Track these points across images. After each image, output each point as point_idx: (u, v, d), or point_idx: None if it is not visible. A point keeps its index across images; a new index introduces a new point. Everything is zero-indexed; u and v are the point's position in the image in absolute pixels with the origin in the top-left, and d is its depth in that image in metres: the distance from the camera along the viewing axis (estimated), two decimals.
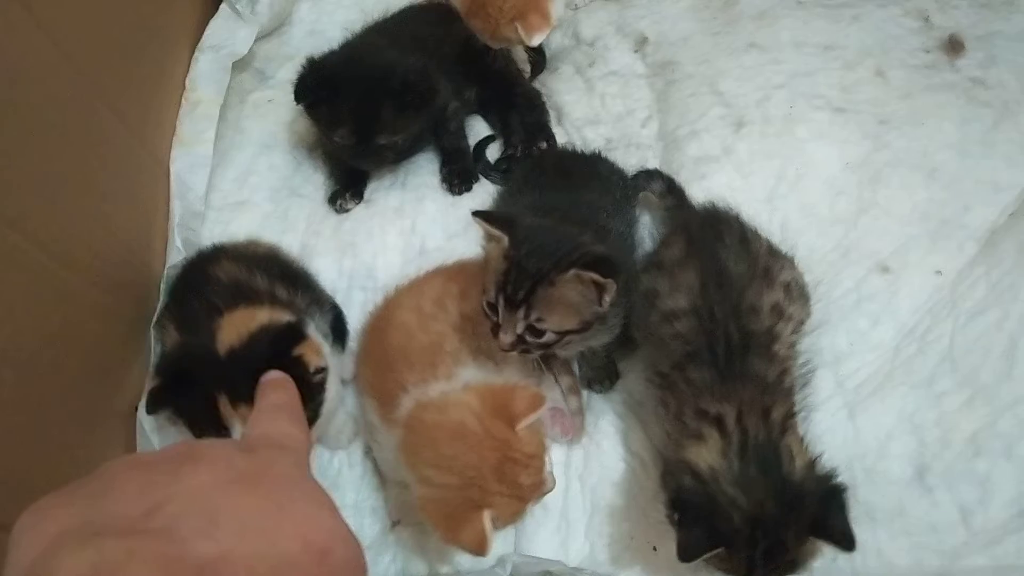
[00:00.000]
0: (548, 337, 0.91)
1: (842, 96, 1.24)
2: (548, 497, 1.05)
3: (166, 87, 1.21)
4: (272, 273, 1.02)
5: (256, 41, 1.35)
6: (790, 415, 0.89)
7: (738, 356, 0.90)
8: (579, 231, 0.92)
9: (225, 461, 0.50)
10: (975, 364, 1.06)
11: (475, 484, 0.82)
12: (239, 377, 0.80)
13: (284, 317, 0.91)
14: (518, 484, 0.83)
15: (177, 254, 1.12)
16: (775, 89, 1.25)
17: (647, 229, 1.21)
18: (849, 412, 1.06)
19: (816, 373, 1.07)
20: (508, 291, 0.88)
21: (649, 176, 1.18)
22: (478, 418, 0.86)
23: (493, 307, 0.90)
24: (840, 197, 1.18)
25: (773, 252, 1.01)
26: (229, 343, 0.87)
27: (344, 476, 1.08)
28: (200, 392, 0.85)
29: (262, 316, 0.89)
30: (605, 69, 1.36)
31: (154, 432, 0.99)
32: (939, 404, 1.04)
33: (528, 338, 0.90)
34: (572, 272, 0.85)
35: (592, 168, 1.15)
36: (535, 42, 1.17)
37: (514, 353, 0.94)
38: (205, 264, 1.05)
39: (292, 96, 1.17)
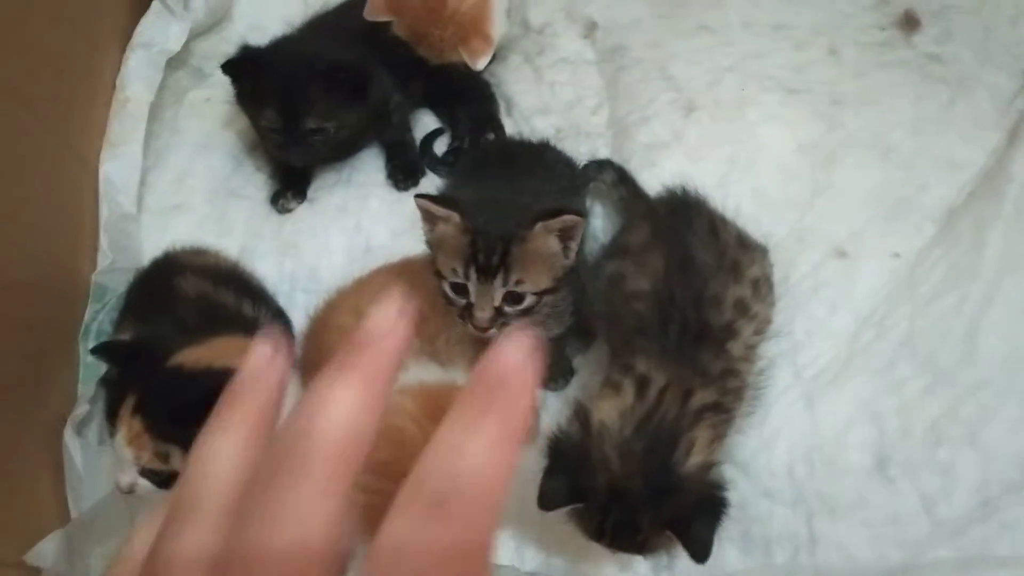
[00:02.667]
0: (528, 301, 0.87)
1: (794, 77, 1.20)
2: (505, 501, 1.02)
3: (94, 88, 1.17)
4: (238, 289, 1.01)
5: (193, 38, 1.31)
6: (713, 408, 0.85)
7: (688, 343, 0.87)
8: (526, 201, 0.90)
9: None
10: (935, 349, 1.02)
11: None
12: (157, 395, 0.79)
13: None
14: None
15: (104, 258, 1.08)
16: (725, 72, 1.21)
17: (599, 219, 1.17)
18: (807, 402, 1.03)
19: (774, 361, 1.05)
20: (480, 260, 0.84)
21: (599, 166, 1.14)
22: (415, 421, 0.82)
23: (461, 287, 0.87)
24: (794, 180, 1.14)
25: (744, 243, 0.98)
26: (182, 361, 0.83)
27: None
28: (125, 377, 0.83)
29: (233, 351, 0.84)
30: (554, 57, 1.32)
31: (78, 451, 0.95)
32: (899, 391, 1.01)
33: (507, 308, 0.87)
34: (539, 225, 0.84)
35: (538, 156, 1.11)
36: (480, 66, 1.17)
37: (461, 353, 0.91)
38: (169, 275, 1.01)
39: (231, 92, 1.15)
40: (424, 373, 0.93)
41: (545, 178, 1.06)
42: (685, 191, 1.01)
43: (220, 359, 0.81)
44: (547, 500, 0.79)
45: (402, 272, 1.04)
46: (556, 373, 1.10)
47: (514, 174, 1.06)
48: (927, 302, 1.05)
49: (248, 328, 0.95)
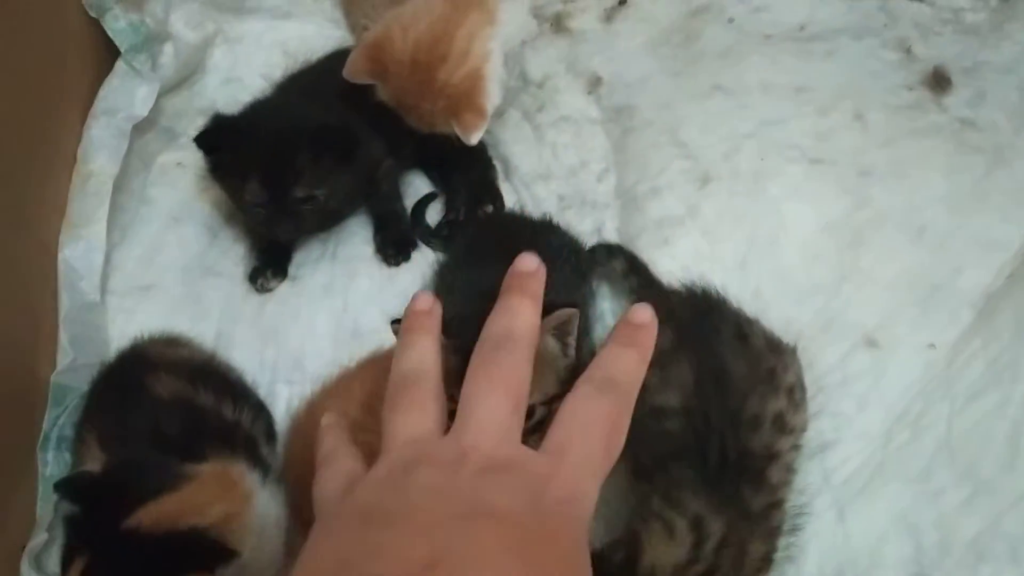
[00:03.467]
0: (539, 413, 0.76)
1: (817, 145, 1.11)
2: None
3: (54, 161, 1.06)
4: (216, 387, 0.91)
5: (163, 95, 1.20)
6: (767, 559, 0.78)
7: (730, 476, 0.79)
8: None
9: (515, 522, 0.42)
10: (975, 455, 0.94)
11: None
12: (106, 565, 0.69)
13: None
14: None
15: (64, 355, 0.98)
16: (743, 139, 1.12)
17: (607, 301, 1.08)
18: (839, 512, 0.95)
19: (802, 465, 0.96)
20: None
21: (609, 252, 1.06)
22: None
23: None
24: (818, 262, 1.06)
25: (774, 347, 0.89)
26: (142, 520, 0.72)
27: None
28: (79, 530, 0.73)
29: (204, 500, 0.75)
30: (556, 114, 1.23)
31: None
32: (937, 502, 0.93)
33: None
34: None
35: (540, 238, 1.03)
36: (474, 141, 1.07)
37: None
38: (139, 374, 0.91)
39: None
40: None
41: (548, 266, 0.96)
42: (705, 290, 0.93)
43: (185, 516, 0.71)
44: None
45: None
46: None
47: (506, 261, 0.97)
48: (966, 401, 0.97)
49: (228, 436, 0.86)
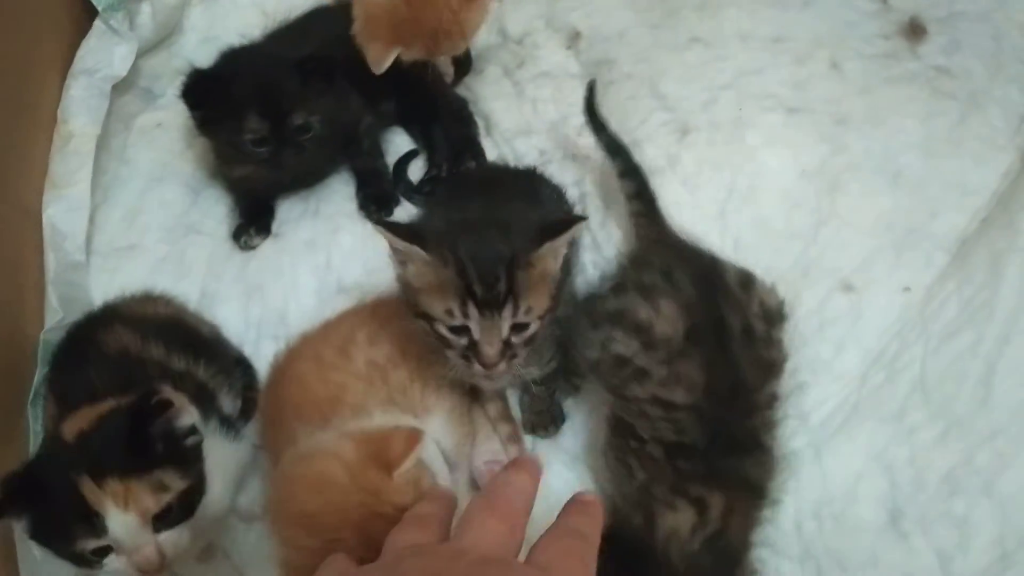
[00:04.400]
0: (533, 328, 0.79)
1: (795, 94, 1.12)
2: None
3: (33, 122, 1.07)
4: (171, 341, 0.91)
5: (141, 55, 1.20)
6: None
7: (736, 455, 0.82)
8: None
9: None
10: (949, 393, 0.96)
11: (336, 548, 0.70)
12: (99, 452, 0.72)
13: None
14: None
15: (54, 314, 0.99)
16: (721, 89, 1.13)
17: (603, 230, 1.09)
18: (815, 451, 0.97)
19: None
20: (479, 293, 0.75)
21: (622, 172, 1.03)
22: (346, 468, 0.73)
23: (460, 328, 0.78)
24: (797, 209, 1.07)
25: (769, 318, 0.88)
26: (77, 428, 0.76)
27: (262, 550, 0.96)
28: (57, 486, 0.73)
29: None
30: (535, 70, 1.23)
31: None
32: (911, 439, 0.95)
33: (513, 339, 0.79)
34: (547, 245, 0.77)
35: (522, 182, 1.03)
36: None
37: (438, 402, 0.86)
38: (95, 329, 0.92)
39: (184, 115, 1.07)
40: (392, 422, 0.86)
41: (530, 203, 0.97)
42: (711, 257, 0.92)
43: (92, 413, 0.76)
44: None
45: (369, 318, 0.95)
46: (547, 419, 1.03)
47: (494, 200, 0.95)
48: (940, 342, 0.99)
49: (177, 383, 0.86)
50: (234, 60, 1.09)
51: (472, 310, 0.76)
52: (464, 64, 1.28)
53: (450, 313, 0.77)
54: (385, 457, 0.73)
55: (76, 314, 1.01)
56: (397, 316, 0.86)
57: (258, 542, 0.96)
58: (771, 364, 0.86)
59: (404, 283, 0.82)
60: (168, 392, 0.78)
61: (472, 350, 0.78)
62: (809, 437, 0.98)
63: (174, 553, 0.75)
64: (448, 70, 1.27)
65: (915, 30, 1.16)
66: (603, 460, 0.93)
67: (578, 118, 1.18)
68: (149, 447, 0.74)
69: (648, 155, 1.11)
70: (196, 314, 1.04)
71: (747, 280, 0.89)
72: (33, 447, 0.94)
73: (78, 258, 1.04)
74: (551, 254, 0.79)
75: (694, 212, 1.05)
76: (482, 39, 1.28)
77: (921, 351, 0.99)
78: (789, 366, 0.90)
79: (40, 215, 1.03)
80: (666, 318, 0.84)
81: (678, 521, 0.79)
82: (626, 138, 1.12)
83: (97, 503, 0.71)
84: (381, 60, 1.09)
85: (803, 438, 0.98)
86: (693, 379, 0.82)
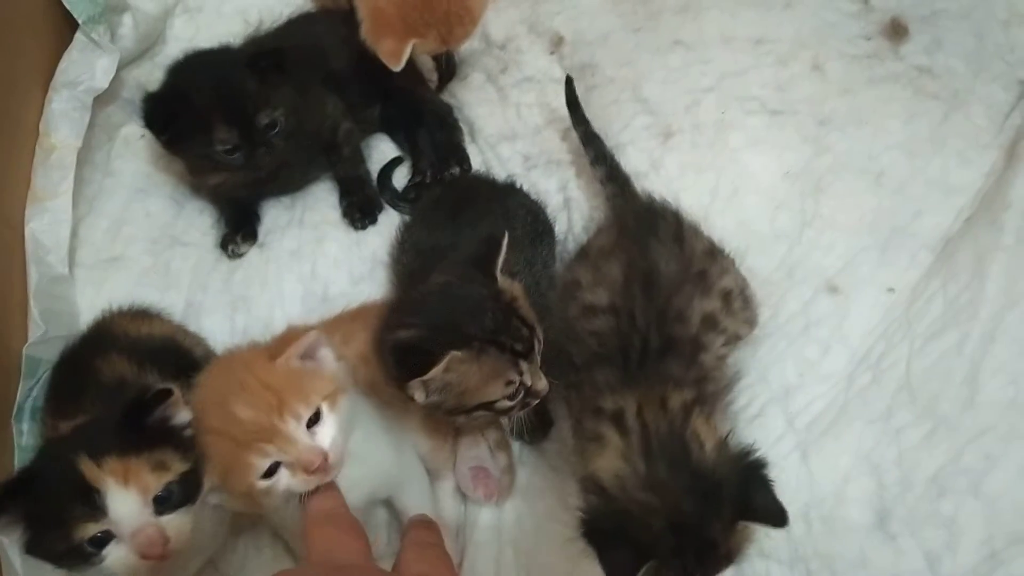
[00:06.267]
0: (540, 337, 0.83)
1: (777, 96, 1.12)
2: (480, 566, 0.96)
3: (16, 135, 1.06)
4: (165, 366, 0.90)
5: (124, 67, 1.20)
6: (692, 402, 0.79)
7: (653, 359, 0.81)
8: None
9: None
10: (934, 393, 0.96)
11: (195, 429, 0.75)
12: (95, 435, 0.72)
13: None
14: (233, 418, 0.73)
15: (36, 328, 0.98)
16: (704, 92, 1.13)
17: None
18: (802, 453, 0.97)
19: (765, 410, 0.99)
20: (521, 348, 0.79)
21: (596, 158, 1.07)
22: (243, 361, 0.79)
23: (520, 385, 0.81)
24: (781, 211, 1.07)
25: (713, 253, 0.91)
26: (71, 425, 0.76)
27: (251, 561, 0.96)
28: (54, 471, 0.72)
29: None
30: (519, 75, 1.23)
31: (16, 550, 0.86)
32: (898, 440, 0.95)
33: (538, 357, 0.83)
34: (500, 277, 0.81)
35: (500, 199, 1.04)
36: None
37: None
38: (91, 357, 0.91)
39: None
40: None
41: (501, 225, 0.98)
42: (653, 199, 0.95)
43: None
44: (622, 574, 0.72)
45: (352, 317, 0.95)
46: (534, 424, 1.02)
47: (468, 220, 0.99)
48: (925, 341, 0.99)
49: None
50: (184, 73, 1.08)
51: (523, 364, 0.80)
52: (448, 70, 1.29)
53: (510, 383, 0.80)
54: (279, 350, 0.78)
55: (61, 328, 1.01)
56: (375, 320, 0.86)
57: (247, 553, 0.96)
58: (700, 275, 0.86)
59: (439, 402, 0.80)
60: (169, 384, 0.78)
61: (528, 394, 0.83)
62: (796, 439, 0.98)
63: (176, 538, 0.72)
64: (432, 76, 1.27)
65: (897, 30, 1.16)
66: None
67: (562, 123, 1.19)
68: (147, 428, 0.73)
69: (631, 159, 1.11)
70: (187, 330, 1.04)
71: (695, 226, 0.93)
72: (18, 461, 0.93)
73: (61, 271, 1.04)
74: (505, 279, 0.82)
75: None
76: (465, 45, 1.27)
77: (907, 351, 0.99)
78: (743, 324, 0.92)
79: (23, 229, 1.03)
80: (601, 234, 0.91)
81: (609, 461, 0.76)
82: (609, 142, 1.13)
83: (96, 479, 0.70)
84: (398, 54, 1.08)
85: (791, 440, 0.98)
86: (613, 276, 0.85)
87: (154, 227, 1.14)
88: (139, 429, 0.73)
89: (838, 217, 1.06)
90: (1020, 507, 0.91)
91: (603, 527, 0.73)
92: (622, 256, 0.86)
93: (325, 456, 0.73)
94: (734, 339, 0.90)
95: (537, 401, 0.84)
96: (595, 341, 0.84)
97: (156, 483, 0.72)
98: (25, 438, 0.95)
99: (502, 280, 0.81)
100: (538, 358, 0.82)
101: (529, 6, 1.28)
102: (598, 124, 1.15)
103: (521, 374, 0.80)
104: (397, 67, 1.08)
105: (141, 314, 1.01)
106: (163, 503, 0.72)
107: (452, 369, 0.76)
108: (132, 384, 0.87)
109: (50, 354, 0.99)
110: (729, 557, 0.73)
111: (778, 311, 1.03)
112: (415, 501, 0.92)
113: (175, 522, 0.73)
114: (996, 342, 0.96)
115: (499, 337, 0.77)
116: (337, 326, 0.93)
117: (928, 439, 0.95)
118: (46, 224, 1.04)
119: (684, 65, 1.16)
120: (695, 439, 0.75)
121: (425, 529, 0.70)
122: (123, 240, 1.13)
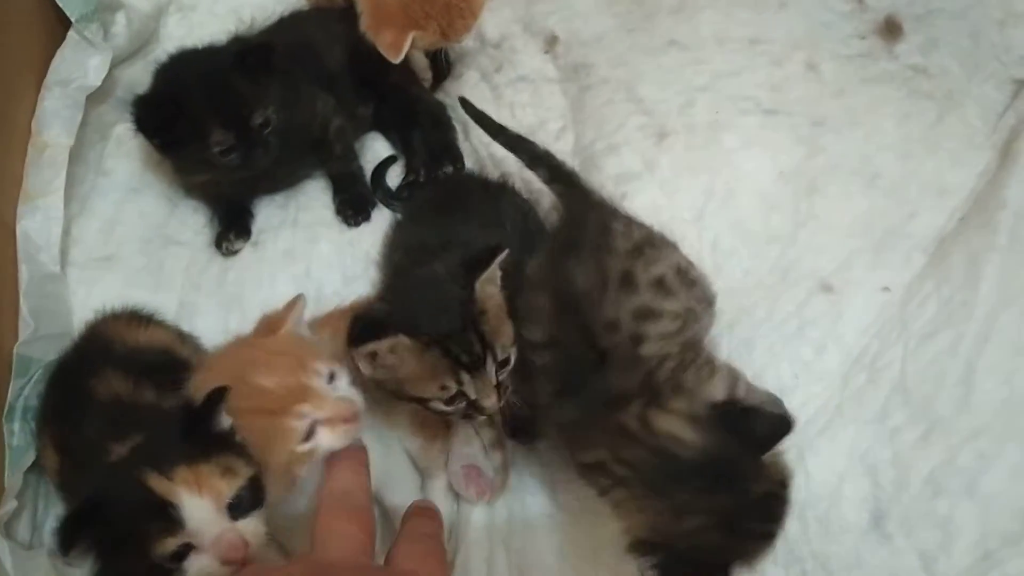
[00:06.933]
0: (512, 356, 0.82)
1: (771, 96, 1.12)
2: (472, 566, 0.96)
3: (8, 134, 1.06)
4: (162, 380, 0.89)
5: (117, 65, 1.20)
6: (643, 409, 0.77)
7: (593, 376, 0.79)
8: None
9: None
10: (929, 393, 0.96)
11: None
12: (158, 450, 0.71)
13: None
14: (259, 390, 0.74)
15: (26, 327, 0.98)
16: (698, 92, 1.13)
17: None
18: (798, 453, 0.96)
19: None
20: (464, 359, 0.78)
21: (532, 161, 1.03)
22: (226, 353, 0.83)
23: (457, 395, 0.80)
24: (775, 212, 1.07)
25: (640, 249, 0.86)
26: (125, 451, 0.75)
27: None
28: (122, 493, 0.70)
29: None
30: (513, 74, 1.23)
31: (7, 554, 0.86)
32: (893, 440, 0.95)
33: (501, 377, 0.82)
34: (478, 283, 0.80)
35: (491, 199, 1.04)
36: None
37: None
38: (85, 374, 0.90)
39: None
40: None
41: (491, 224, 0.99)
42: (586, 198, 0.94)
43: None
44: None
45: (343, 315, 0.95)
46: (527, 425, 1.02)
47: (458, 220, 0.99)
48: (920, 342, 0.99)
49: None
50: (173, 75, 1.07)
51: (464, 375, 0.79)
52: (442, 69, 1.28)
53: (445, 388, 0.79)
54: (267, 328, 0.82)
55: (52, 327, 1.00)
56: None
57: None
58: (625, 276, 0.82)
59: (383, 380, 0.81)
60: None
61: (472, 407, 0.82)
62: (792, 439, 0.96)
63: (255, 541, 0.71)
64: (426, 75, 1.27)
65: (891, 29, 1.16)
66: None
67: (555, 122, 1.19)
68: (208, 435, 0.72)
69: (626, 160, 1.11)
70: (184, 335, 1.03)
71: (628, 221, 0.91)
72: (10, 462, 0.93)
73: (53, 269, 1.03)
74: (488, 285, 0.81)
75: (672, 216, 1.04)
76: (463, 40, 1.27)
77: (901, 351, 0.99)
78: (682, 297, 0.87)
79: (14, 227, 1.02)
80: (535, 261, 0.87)
81: (631, 515, 0.76)
82: (603, 143, 1.13)
83: (169, 493, 0.68)
84: (398, 45, 1.08)
85: (786, 440, 0.97)
86: (541, 308, 0.82)
87: (147, 226, 1.14)
88: (202, 438, 0.72)
89: (832, 218, 1.06)
90: (1015, 507, 0.91)
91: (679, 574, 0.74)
92: (548, 285, 0.84)
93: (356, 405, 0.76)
94: (691, 317, 0.86)
95: (483, 417, 0.83)
96: (546, 379, 0.83)
97: (228, 489, 0.71)
98: (16, 438, 0.94)
99: (481, 291, 0.80)
100: (493, 376, 0.80)
101: (523, 5, 1.28)
102: (592, 125, 1.15)
103: (460, 384, 0.79)
104: (397, 59, 1.08)
105: (137, 319, 1.00)
106: (236, 509, 0.71)
107: (396, 352, 0.78)
108: (127, 403, 0.87)
109: (41, 353, 0.98)
110: (784, 485, 0.76)
111: (772, 312, 1.03)
112: (403, 499, 0.92)
113: (251, 526, 0.72)
114: (990, 342, 0.96)
115: (446, 342, 0.77)
116: (327, 322, 0.93)
117: (923, 439, 0.94)
118: (38, 222, 1.03)
119: (678, 65, 1.16)
120: (672, 440, 0.75)
121: (423, 518, 0.68)
122: (116, 239, 1.12)
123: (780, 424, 0.75)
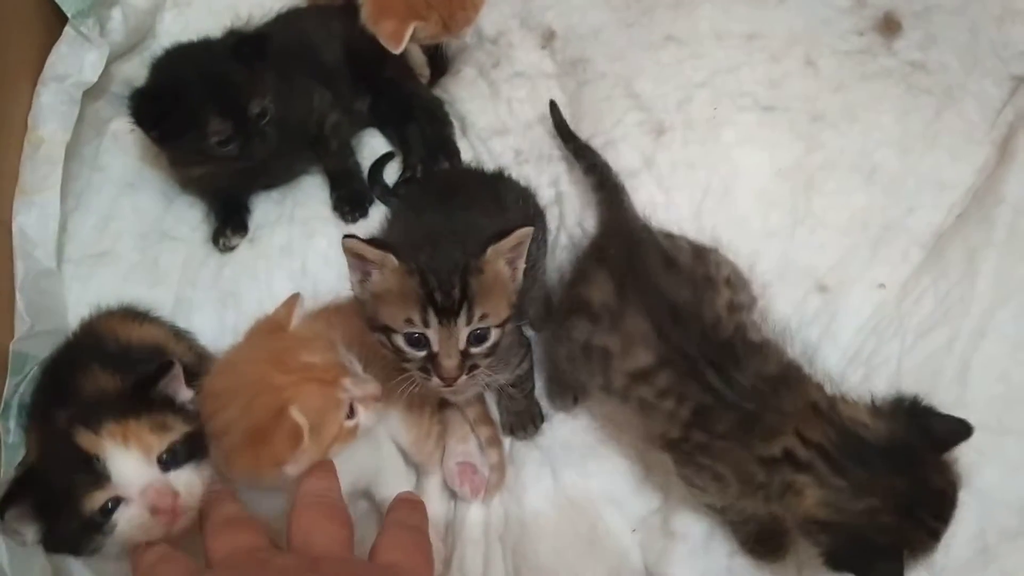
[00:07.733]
0: (493, 337, 0.79)
1: (770, 92, 1.12)
2: (469, 564, 0.95)
3: (4, 129, 1.06)
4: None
5: (113, 61, 1.19)
6: (828, 395, 0.81)
7: (734, 370, 0.81)
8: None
9: None
10: (925, 390, 0.94)
11: (261, 391, 0.74)
12: (90, 409, 0.72)
13: None
14: (307, 365, 0.76)
15: (22, 323, 0.97)
16: (696, 88, 1.13)
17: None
18: None
19: None
20: (439, 300, 0.76)
21: (589, 168, 1.07)
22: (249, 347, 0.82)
23: (419, 338, 0.77)
24: (773, 208, 1.07)
25: (699, 254, 0.91)
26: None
27: None
28: (54, 454, 0.72)
29: None
30: (511, 70, 1.23)
31: (3, 552, 0.85)
32: None
33: (473, 350, 0.78)
34: (490, 250, 0.78)
35: (488, 186, 1.03)
36: None
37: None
38: (73, 370, 0.89)
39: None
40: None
41: (491, 210, 0.98)
42: (622, 225, 0.97)
43: None
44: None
45: (336, 310, 0.95)
46: (526, 420, 1.03)
47: (455, 206, 0.97)
48: (916, 338, 0.99)
49: None
50: (170, 67, 1.07)
51: (432, 317, 0.76)
52: (440, 64, 1.28)
53: (410, 322, 0.77)
54: (278, 326, 0.82)
55: (48, 323, 1.00)
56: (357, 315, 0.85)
57: None
58: (705, 280, 0.87)
59: (364, 297, 0.81)
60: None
61: (431, 362, 0.78)
62: None
63: (188, 493, 0.70)
64: (424, 71, 1.27)
65: (890, 25, 1.16)
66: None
67: None
68: (146, 395, 0.73)
69: (623, 156, 1.11)
70: (179, 332, 1.02)
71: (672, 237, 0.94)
72: (6, 458, 0.92)
73: (49, 265, 1.03)
74: (496, 260, 0.79)
75: (669, 213, 1.05)
76: (464, 34, 1.27)
77: (898, 348, 0.99)
78: (748, 289, 0.92)
79: (10, 223, 1.02)
80: (597, 285, 0.88)
81: (813, 500, 0.75)
82: (601, 139, 1.13)
83: (94, 447, 0.69)
84: (399, 36, 1.07)
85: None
86: (639, 327, 0.83)
87: (143, 222, 1.13)
88: (139, 399, 0.73)
89: (829, 215, 1.06)
90: (1012, 502, 0.91)
91: (850, 554, 0.75)
92: (636, 307, 0.85)
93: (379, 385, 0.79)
94: (753, 304, 0.91)
95: (440, 384, 0.79)
96: (674, 400, 0.82)
97: (159, 443, 0.71)
98: (12, 435, 0.94)
99: (490, 258, 0.78)
100: (462, 336, 0.77)
101: (521, 1, 1.27)
102: (590, 120, 1.15)
103: (427, 325, 0.76)
104: (397, 49, 1.08)
105: (131, 315, 0.99)
106: (168, 462, 0.71)
107: (382, 265, 0.77)
108: (108, 398, 0.82)
109: (37, 350, 0.97)
110: (955, 489, 0.75)
111: (769, 310, 1.03)
112: (394, 494, 0.92)
113: (183, 477, 0.71)
114: (987, 339, 0.96)
115: (427, 276, 0.76)
116: (322, 315, 0.92)
117: None
118: (33, 218, 1.03)
119: (676, 61, 1.16)
120: (857, 424, 0.77)
121: (408, 509, 0.68)
122: (111, 235, 1.12)
123: (962, 427, 0.77)
